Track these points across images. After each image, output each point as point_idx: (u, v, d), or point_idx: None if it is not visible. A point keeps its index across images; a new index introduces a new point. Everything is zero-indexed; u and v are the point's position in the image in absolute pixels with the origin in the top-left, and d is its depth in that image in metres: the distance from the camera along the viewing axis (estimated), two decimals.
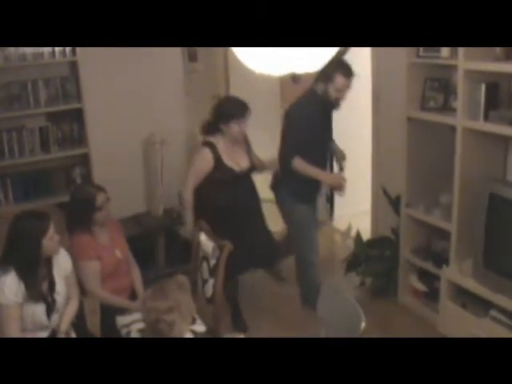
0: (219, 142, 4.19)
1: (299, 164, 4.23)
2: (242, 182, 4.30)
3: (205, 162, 4.18)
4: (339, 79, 4.13)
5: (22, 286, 3.09)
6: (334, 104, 4.31)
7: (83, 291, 3.58)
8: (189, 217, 4.31)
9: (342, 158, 4.68)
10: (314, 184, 4.46)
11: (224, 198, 4.24)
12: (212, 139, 4.20)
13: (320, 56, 1.89)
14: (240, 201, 4.28)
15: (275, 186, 4.62)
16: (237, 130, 4.14)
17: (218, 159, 4.17)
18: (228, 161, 4.19)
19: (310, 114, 4.26)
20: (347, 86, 4.20)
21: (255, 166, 4.40)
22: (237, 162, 4.25)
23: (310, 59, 1.89)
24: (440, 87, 4.24)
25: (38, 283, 3.16)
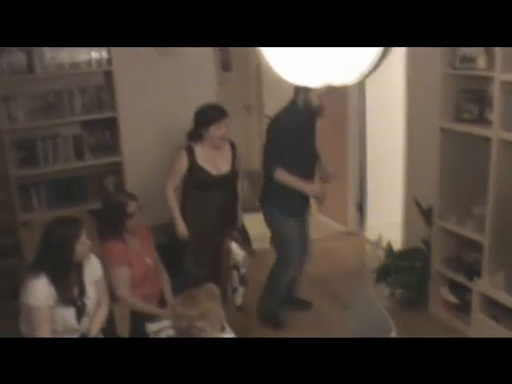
0: (199, 146, 4.32)
1: (281, 175, 4.24)
2: (220, 186, 4.37)
3: (180, 163, 4.32)
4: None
5: (54, 290, 3.14)
6: (317, 111, 4.33)
7: (113, 297, 3.62)
8: (176, 216, 4.40)
9: (328, 178, 4.59)
10: (301, 197, 4.42)
11: (200, 199, 4.37)
12: (192, 144, 4.33)
13: (357, 68, 1.88)
14: (216, 204, 4.36)
15: (261, 199, 4.60)
16: (216, 134, 4.25)
17: (192, 161, 4.29)
18: (204, 164, 4.30)
19: (290, 125, 4.27)
20: (327, 92, 4.17)
21: (238, 172, 4.48)
22: (215, 165, 4.34)
23: (347, 71, 1.87)
24: (475, 98, 4.19)
25: (69, 287, 3.21)
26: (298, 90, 4.21)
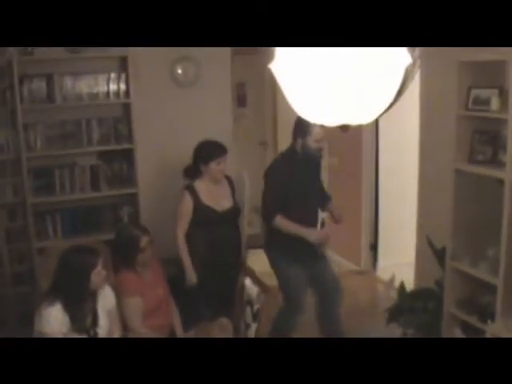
0: (199, 183, 4.38)
1: (281, 222, 4.22)
2: (224, 222, 4.39)
3: (186, 205, 4.34)
4: (317, 130, 4.10)
5: (67, 318, 3.16)
6: (316, 155, 4.31)
7: (125, 327, 3.63)
8: (187, 263, 4.37)
9: (336, 220, 4.55)
10: (304, 243, 4.26)
11: (205, 237, 4.36)
12: (192, 182, 4.39)
13: (373, 108, 1.90)
14: (222, 243, 4.37)
15: (265, 245, 4.58)
16: (216, 169, 4.33)
17: (196, 200, 4.33)
18: (208, 201, 4.34)
19: (288, 172, 4.28)
20: (325, 136, 4.19)
21: (238, 208, 4.51)
22: (218, 202, 4.39)
23: (363, 110, 1.90)
24: (489, 140, 4.21)
25: (82, 316, 3.24)
26: (296, 135, 4.23)
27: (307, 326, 4.47)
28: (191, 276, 4.34)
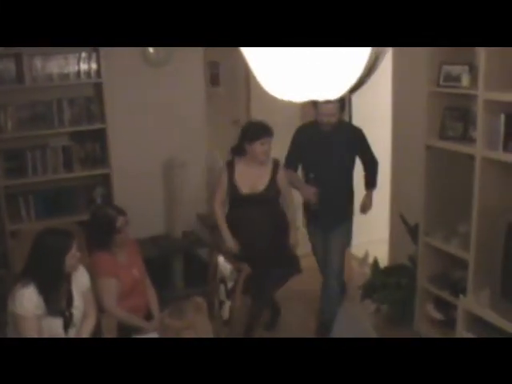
0: (240, 161, 4.46)
1: (289, 174, 4.64)
2: (255, 204, 4.44)
3: (222, 178, 4.49)
4: (323, 105, 4.35)
5: (41, 300, 3.15)
6: (325, 128, 4.54)
7: (101, 309, 3.62)
8: (224, 231, 4.49)
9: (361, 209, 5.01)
10: (326, 209, 4.62)
11: (233, 217, 4.49)
12: (235, 158, 4.48)
13: (341, 83, 1.91)
14: (253, 224, 4.43)
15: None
16: (260, 150, 4.35)
17: (230, 176, 4.44)
18: (239, 180, 4.42)
19: (303, 135, 4.72)
20: (331, 110, 4.43)
21: (277, 188, 4.49)
22: (249, 183, 4.42)
23: (330, 86, 1.90)
24: (459, 116, 4.25)
25: (57, 298, 3.23)
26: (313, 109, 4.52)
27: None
28: (230, 243, 4.44)
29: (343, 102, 4.72)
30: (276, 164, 4.52)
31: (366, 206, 4.98)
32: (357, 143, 4.73)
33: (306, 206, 4.80)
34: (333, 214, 4.69)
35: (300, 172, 4.83)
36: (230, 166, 4.48)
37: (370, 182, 4.95)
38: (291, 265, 4.63)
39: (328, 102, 4.17)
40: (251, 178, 4.43)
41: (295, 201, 4.69)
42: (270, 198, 4.50)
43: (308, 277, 4.96)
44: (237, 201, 4.47)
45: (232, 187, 4.43)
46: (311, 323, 4.93)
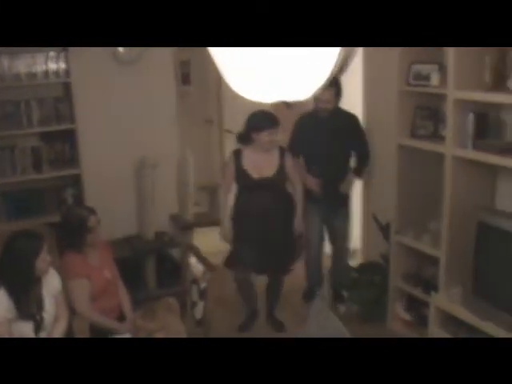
0: (247, 149, 4.55)
1: (296, 161, 4.79)
2: (265, 188, 4.54)
3: (229, 166, 4.62)
4: (318, 92, 4.33)
5: (12, 304, 3.10)
6: (322, 115, 4.81)
7: (72, 311, 3.59)
8: (224, 219, 4.64)
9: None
10: (325, 187, 4.92)
11: (244, 202, 4.60)
12: (242, 147, 4.59)
13: (310, 84, 1.90)
14: (262, 207, 4.53)
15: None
16: (267, 139, 4.43)
17: (238, 164, 4.53)
18: (248, 167, 4.51)
19: (303, 125, 4.98)
20: (327, 96, 4.69)
21: (286, 174, 4.60)
22: (258, 169, 4.52)
23: (299, 87, 1.90)
24: (430, 115, 4.29)
25: (27, 302, 3.19)
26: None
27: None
28: (225, 231, 4.61)
29: (339, 89, 4.87)
30: (282, 151, 4.61)
31: (345, 188, 5.11)
32: (352, 130, 4.99)
33: (305, 193, 4.88)
34: (333, 200, 5.00)
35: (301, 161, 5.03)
36: (238, 154, 4.57)
37: (357, 170, 5.14)
38: (295, 248, 4.80)
39: (324, 89, 4.13)
40: (260, 164, 4.53)
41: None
42: (279, 184, 4.62)
43: None
44: (247, 186, 4.58)
45: (242, 173, 4.52)
46: None
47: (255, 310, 4.91)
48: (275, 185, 4.59)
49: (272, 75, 1.90)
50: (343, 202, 5.15)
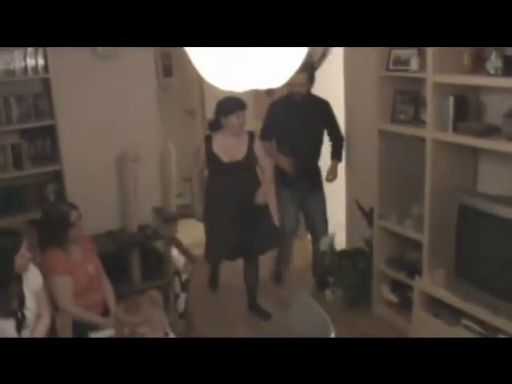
0: (217, 135, 4.67)
1: (267, 145, 4.96)
2: (235, 172, 4.65)
3: (199, 151, 4.71)
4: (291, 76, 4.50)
5: None
6: (295, 99, 4.94)
7: (55, 307, 3.57)
8: (195, 201, 4.84)
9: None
10: (298, 172, 5.06)
11: (215, 186, 4.73)
12: (212, 133, 4.70)
13: (282, 72, 1.90)
14: (231, 190, 4.63)
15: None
16: (235, 122, 4.55)
17: (209, 148, 4.64)
18: (219, 151, 4.63)
19: (276, 110, 5.11)
20: (301, 80, 4.78)
21: (255, 158, 4.70)
22: (230, 153, 4.63)
23: (272, 75, 1.89)
24: (410, 100, 4.29)
25: (8, 299, 3.15)
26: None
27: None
28: (197, 213, 4.82)
29: (312, 73, 4.97)
30: (251, 135, 4.73)
31: (331, 176, 5.27)
32: (324, 115, 5.14)
33: (278, 175, 5.11)
34: (307, 181, 5.16)
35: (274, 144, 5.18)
36: (208, 139, 4.68)
37: (335, 154, 5.27)
38: (269, 232, 4.88)
39: (297, 72, 4.16)
40: (230, 148, 4.64)
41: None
42: (248, 167, 4.72)
43: None
44: (217, 170, 4.68)
45: (212, 157, 4.63)
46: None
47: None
48: (245, 168, 4.70)
49: (244, 64, 1.89)
50: (317, 185, 5.28)
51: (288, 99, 5.01)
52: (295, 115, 4.98)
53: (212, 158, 4.64)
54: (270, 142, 5.10)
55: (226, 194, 4.64)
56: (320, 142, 5.22)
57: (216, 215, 4.72)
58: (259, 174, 4.82)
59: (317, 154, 5.21)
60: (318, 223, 5.33)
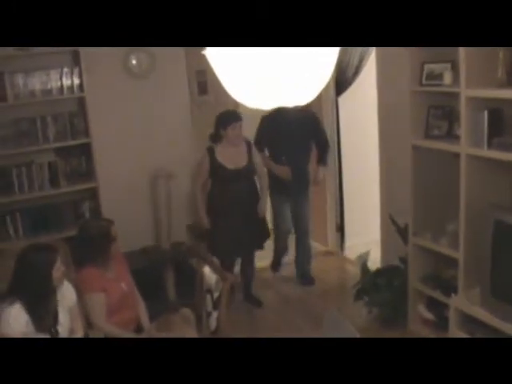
0: (219, 146, 4.97)
1: (261, 156, 5.32)
2: (239, 178, 4.97)
3: (203, 162, 4.99)
4: None
5: (27, 317, 3.11)
6: (290, 112, 5.12)
7: (89, 324, 3.59)
8: (201, 210, 5.03)
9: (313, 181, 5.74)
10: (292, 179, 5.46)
11: (221, 193, 4.99)
12: (214, 144, 4.99)
13: (310, 89, 1.89)
14: (235, 196, 4.96)
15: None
16: (232, 134, 4.91)
17: (212, 158, 4.94)
18: (222, 160, 4.94)
19: (268, 121, 5.41)
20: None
21: (255, 165, 5.07)
22: (233, 161, 4.96)
23: (298, 93, 1.88)
24: (444, 115, 4.23)
25: (43, 315, 3.19)
26: None
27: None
28: (204, 222, 5.03)
29: None
30: (249, 144, 5.09)
31: (317, 180, 5.74)
32: (312, 125, 5.55)
33: (271, 181, 5.39)
34: (298, 185, 5.54)
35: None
36: (211, 150, 4.96)
37: (322, 160, 5.66)
38: (263, 229, 5.29)
39: None
40: (232, 157, 4.96)
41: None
42: (250, 174, 5.09)
43: None
44: (223, 177, 4.97)
45: (217, 166, 4.93)
46: None
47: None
48: (247, 174, 5.07)
49: (272, 82, 1.89)
50: (306, 187, 5.69)
51: (280, 111, 5.20)
52: (287, 127, 5.36)
53: (217, 167, 4.94)
54: (263, 152, 5.44)
55: (231, 200, 4.95)
56: (310, 149, 5.65)
57: (222, 220, 5.01)
58: (256, 181, 5.18)
59: (307, 160, 5.62)
60: (303, 222, 5.77)
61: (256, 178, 5.18)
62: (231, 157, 4.97)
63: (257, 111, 4.46)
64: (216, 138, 5.02)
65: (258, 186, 5.22)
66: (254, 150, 5.11)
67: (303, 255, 5.91)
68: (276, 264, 6.15)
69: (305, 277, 5.89)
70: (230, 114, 4.99)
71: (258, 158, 5.13)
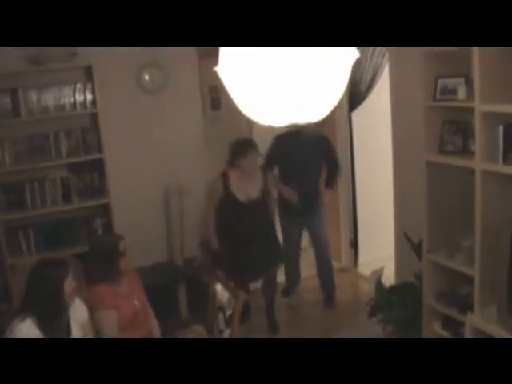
0: (233, 172, 4.89)
1: (272, 175, 5.35)
2: (250, 209, 4.91)
3: (216, 187, 4.96)
4: None
5: (39, 334, 3.10)
6: (304, 134, 5.24)
7: None
8: (211, 233, 5.00)
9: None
10: (300, 201, 5.37)
11: (231, 221, 4.92)
12: (229, 170, 4.92)
13: (322, 106, 1.87)
14: (246, 225, 4.89)
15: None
16: (248, 165, 4.83)
17: (226, 185, 4.88)
18: (235, 189, 4.88)
19: (280, 142, 5.35)
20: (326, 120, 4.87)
21: (265, 199, 5.04)
22: (246, 191, 4.90)
23: (311, 109, 1.86)
24: (458, 130, 4.19)
25: (55, 331, 3.17)
26: None
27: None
28: (214, 245, 4.99)
29: None
30: (264, 169, 5.11)
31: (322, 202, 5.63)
32: (324, 149, 5.48)
33: (280, 203, 5.49)
34: (310, 206, 5.47)
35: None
36: (225, 176, 4.90)
37: (330, 184, 5.61)
38: (278, 254, 5.30)
39: None
40: (245, 187, 4.90)
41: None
42: (263, 203, 5.03)
43: None
44: (233, 208, 4.89)
45: (230, 195, 4.86)
46: None
47: None
48: (260, 205, 5.00)
49: (283, 98, 1.87)
50: (319, 207, 5.59)
51: (294, 133, 5.21)
52: (299, 148, 5.31)
53: (229, 197, 4.88)
54: (272, 171, 5.40)
55: (243, 228, 4.90)
56: (320, 172, 5.58)
57: (233, 244, 4.96)
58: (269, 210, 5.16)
59: (318, 181, 5.56)
60: (321, 243, 5.72)
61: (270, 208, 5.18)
62: (245, 186, 4.92)
63: (270, 130, 4.53)
64: (231, 164, 4.94)
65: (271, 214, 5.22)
66: (268, 175, 5.12)
67: (325, 275, 5.82)
68: (287, 289, 6.05)
69: (328, 301, 5.80)
70: (247, 144, 4.90)
71: (271, 183, 5.13)
